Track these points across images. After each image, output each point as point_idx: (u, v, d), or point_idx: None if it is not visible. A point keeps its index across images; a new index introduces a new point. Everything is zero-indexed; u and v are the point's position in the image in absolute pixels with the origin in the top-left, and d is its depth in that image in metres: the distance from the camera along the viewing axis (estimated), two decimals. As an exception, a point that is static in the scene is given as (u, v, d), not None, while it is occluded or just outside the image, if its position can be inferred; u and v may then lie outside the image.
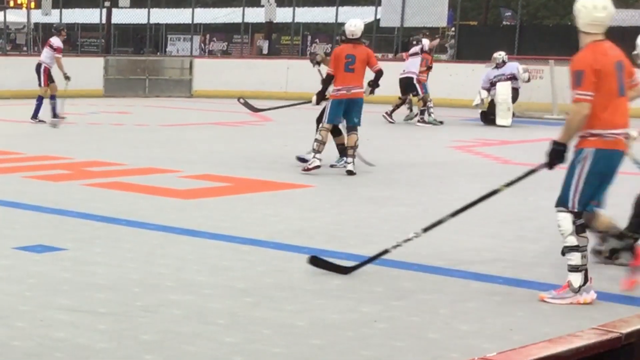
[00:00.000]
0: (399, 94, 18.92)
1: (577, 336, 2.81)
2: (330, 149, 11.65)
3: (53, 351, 4.64)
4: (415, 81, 18.46)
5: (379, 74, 11.42)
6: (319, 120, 11.45)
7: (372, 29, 28.92)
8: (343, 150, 11.60)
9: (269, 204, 9.03)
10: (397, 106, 18.91)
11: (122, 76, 25.16)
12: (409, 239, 6.36)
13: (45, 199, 8.88)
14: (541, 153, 5.91)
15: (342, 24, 11.72)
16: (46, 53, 17.30)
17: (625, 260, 6.08)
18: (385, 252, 6.37)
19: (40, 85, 17.14)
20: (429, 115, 18.46)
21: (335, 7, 27.34)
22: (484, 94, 18.63)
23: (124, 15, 37.77)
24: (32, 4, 34.03)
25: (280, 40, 42.24)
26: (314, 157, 11.01)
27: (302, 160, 11.40)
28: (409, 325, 5.24)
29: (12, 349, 4.65)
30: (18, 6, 36.23)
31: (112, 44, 38.52)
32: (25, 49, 35.53)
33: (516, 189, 9.30)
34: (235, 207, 8.79)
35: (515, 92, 18.59)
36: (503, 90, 18.30)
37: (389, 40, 35.73)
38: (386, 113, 18.68)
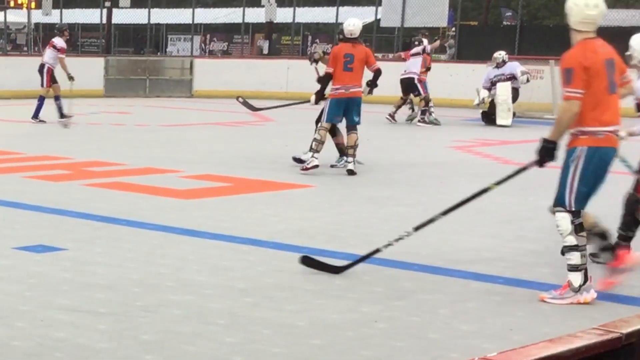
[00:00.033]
0: (400, 94, 18.94)
1: (578, 336, 2.81)
2: (330, 149, 11.65)
3: (53, 351, 4.64)
4: (416, 81, 18.46)
5: (377, 73, 11.42)
6: (318, 121, 11.45)
7: (372, 29, 28.93)
8: (342, 150, 11.60)
9: (269, 204, 9.02)
10: (399, 107, 18.91)
11: (122, 76, 25.16)
12: (400, 238, 6.37)
13: (46, 199, 8.88)
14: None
15: (343, 24, 11.71)
16: (49, 54, 17.29)
17: (603, 260, 6.08)
18: (377, 251, 6.37)
19: (42, 85, 17.15)
20: (430, 114, 18.45)
21: (335, 7, 27.34)
22: (485, 93, 18.63)
23: (125, 16, 37.78)
24: (33, 4, 34.01)
25: (280, 41, 42.24)
26: (312, 156, 11.00)
27: (299, 160, 11.40)
28: (409, 325, 5.23)
29: (12, 349, 4.65)
30: (18, 6, 36.19)
31: (113, 44, 38.54)
32: (25, 49, 35.52)
33: (516, 189, 9.34)
34: (235, 207, 8.79)
35: (515, 92, 18.59)
36: (503, 90, 18.30)
37: (390, 41, 35.72)
38: (389, 115, 18.69)
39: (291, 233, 7.59)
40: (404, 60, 19.89)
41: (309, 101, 11.70)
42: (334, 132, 11.53)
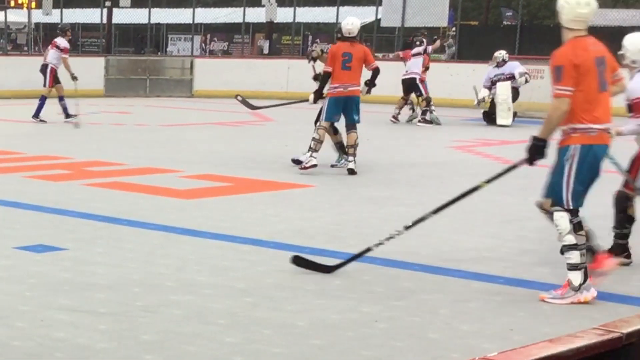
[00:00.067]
0: (401, 95, 18.95)
1: (578, 336, 2.81)
2: (330, 149, 11.65)
3: (53, 351, 4.64)
4: (418, 81, 18.47)
5: (375, 72, 11.42)
6: (317, 121, 11.45)
7: (372, 28, 28.94)
8: (341, 149, 11.61)
9: (269, 204, 9.02)
10: (401, 107, 18.92)
11: (122, 76, 25.16)
12: (391, 237, 6.37)
13: (46, 199, 8.88)
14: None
15: (341, 23, 11.72)
16: (53, 54, 17.29)
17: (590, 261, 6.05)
18: (368, 250, 6.38)
19: (44, 85, 17.16)
20: (431, 112, 18.45)
21: (336, 7, 27.33)
22: (485, 92, 18.64)
23: (125, 15, 37.79)
24: (33, 4, 34.02)
25: (281, 40, 42.24)
26: (310, 155, 11.00)
27: (298, 162, 11.40)
28: (409, 326, 5.23)
29: (13, 349, 4.65)
30: (19, 6, 36.21)
31: (113, 44, 38.54)
32: (26, 48, 35.54)
33: (516, 189, 9.35)
34: (235, 207, 8.79)
35: (515, 92, 18.58)
36: (503, 90, 18.30)
37: (390, 40, 35.72)
38: (393, 117, 18.72)
39: (291, 233, 7.59)
40: (403, 59, 19.91)
41: (307, 100, 11.69)
42: (333, 131, 11.53)
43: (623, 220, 6.79)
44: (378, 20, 27.76)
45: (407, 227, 6.39)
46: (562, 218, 5.73)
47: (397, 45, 26.49)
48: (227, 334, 4.95)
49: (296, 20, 29.16)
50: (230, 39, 44.24)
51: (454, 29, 31.78)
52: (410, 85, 18.58)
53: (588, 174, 5.71)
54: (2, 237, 7.22)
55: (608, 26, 23.31)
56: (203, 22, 41.03)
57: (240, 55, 33.57)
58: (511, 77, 18.37)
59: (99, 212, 8.23)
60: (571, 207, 5.71)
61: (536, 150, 5.74)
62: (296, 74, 23.87)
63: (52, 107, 17.00)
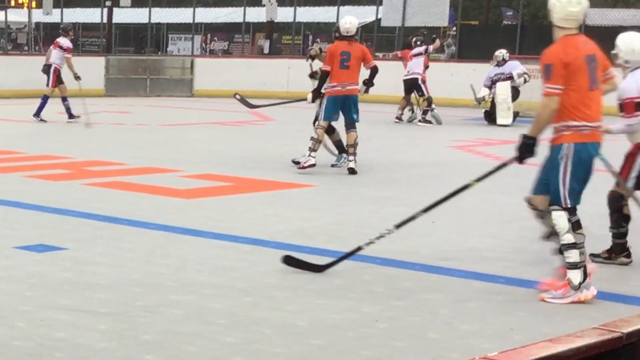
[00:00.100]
0: (402, 95, 18.97)
1: (578, 336, 2.81)
2: (326, 152, 11.63)
3: (53, 351, 4.63)
4: (420, 81, 18.48)
5: (374, 70, 11.43)
6: (316, 121, 11.44)
7: (373, 28, 28.93)
8: (340, 148, 11.61)
9: (269, 203, 9.02)
10: (404, 107, 18.95)
11: (123, 76, 25.16)
12: (381, 236, 6.38)
13: (46, 199, 8.88)
14: (541, 152, 5.91)
15: (338, 22, 11.72)
16: (56, 54, 17.30)
17: (563, 262, 6.04)
18: (359, 249, 6.38)
19: (48, 85, 17.17)
20: (432, 111, 18.47)
21: (336, 7, 27.32)
22: (485, 91, 18.65)
23: (125, 15, 37.74)
24: (33, 4, 34.03)
25: (281, 40, 42.20)
26: (309, 155, 11.00)
27: (298, 163, 11.40)
28: (409, 325, 5.23)
29: (13, 349, 4.65)
30: (19, 5, 36.21)
31: (113, 44, 38.51)
32: (26, 48, 35.55)
33: (516, 189, 9.33)
34: (235, 207, 8.79)
35: (515, 91, 18.58)
36: (502, 90, 18.30)
37: (390, 40, 35.70)
38: (397, 117, 18.75)
39: (291, 233, 7.59)
40: (400, 59, 19.95)
41: (305, 99, 11.69)
42: (331, 130, 11.52)
43: (619, 220, 6.79)
44: (378, 20, 27.74)
45: (398, 226, 6.41)
46: (561, 217, 5.73)
47: (398, 45, 26.48)
48: (227, 334, 4.95)
49: (296, 20, 29.14)
50: (231, 39, 44.21)
51: (454, 28, 31.76)
52: (412, 86, 18.59)
53: (583, 171, 5.72)
54: (2, 236, 7.22)
55: (608, 26, 23.30)
56: (203, 22, 41.01)
57: (240, 55, 33.55)
58: (510, 77, 18.37)
59: (99, 212, 8.23)
60: (569, 206, 5.72)
61: (526, 148, 5.78)
62: (297, 73, 23.84)
63: (52, 107, 17.02)
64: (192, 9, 29.57)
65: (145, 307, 5.40)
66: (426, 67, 19.00)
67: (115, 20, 36.63)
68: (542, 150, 5.86)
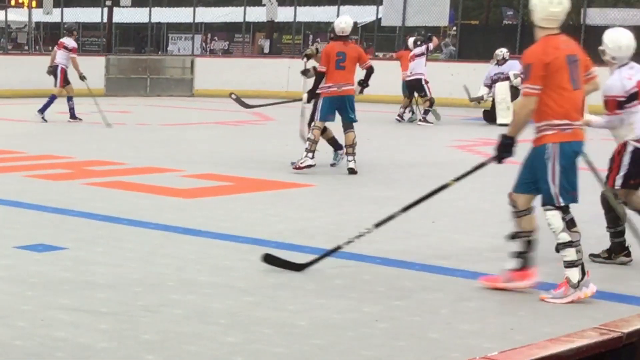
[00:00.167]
0: (402, 95, 18.99)
1: (578, 336, 2.81)
2: (326, 151, 11.62)
3: (54, 351, 4.64)
4: (423, 82, 18.49)
5: (369, 71, 11.43)
6: (312, 122, 11.44)
7: (373, 28, 28.91)
8: (334, 145, 11.60)
9: (269, 203, 9.03)
10: (406, 106, 18.96)
11: (123, 75, 25.16)
12: (361, 235, 6.39)
13: (46, 198, 8.88)
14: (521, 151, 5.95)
15: (333, 22, 11.71)
16: (61, 54, 17.33)
17: (513, 266, 6.03)
18: (338, 248, 6.40)
19: (55, 86, 17.20)
20: (432, 107, 18.52)
21: (336, 7, 27.32)
22: (484, 90, 18.67)
23: (125, 15, 37.74)
24: (34, 3, 34.02)
25: (281, 40, 42.20)
26: (306, 155, 10.99)
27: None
28: (410, 325, 5.23)
29: (13, 349, 4.65)
30: (19, 5, 36.21)
31: (114, 43, 38.51)
32: (26, 48, 35.53)
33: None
34: (236, 207, 8.79)
35: (516, 91, 18.56)
36: (502, 89, 18.32)
37: (391, 40, 35.70)
38: (398, 115, 18.77)
39: (291, 233, 7.59)
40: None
41: (301, 99, 11.68)
42: (323, 129, 11.50)
43: (615, 219, 6.80)
44: (378, 20, 27.74)
45: (377, 225, 6.42)
46: (554, 216, 5.75)
47: (398, 44, 26.48)
48: (228, 334, 4.95)
49: (297, 20, 29.14)
50: (231, 39, 44.19)
51: (454, 28, 31.75)
52: (415, 87, 18.60)
53: (571, 169, 5.74)
54: (2, 236, 7.22)
55: (609, 25, 23.29)
56: (203, 22, 41.00)
57: (240, 55, 33.56)
58: (509, 77, 18.38)
59: (100, 212, 8.23)
60: (562, 204, 5.73)
61: (504, 148, 5.83)
62: (297, 73, 23.72)
63: (54, 107, 17.03)
64: (192, 8, 29.55)
65: (145, 306, 5.40)
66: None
67: (115, 19, 36.64)
68: (523, 149, 5.88)
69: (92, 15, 37.92)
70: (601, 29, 6.06)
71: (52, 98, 17.07)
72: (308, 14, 35.99)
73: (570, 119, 5.72)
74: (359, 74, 11.42)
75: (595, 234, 7.08)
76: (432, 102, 18.48)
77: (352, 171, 11.05)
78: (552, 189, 5.71)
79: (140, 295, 5.63)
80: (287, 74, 24.81)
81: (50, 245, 6.89)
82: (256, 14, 33.10)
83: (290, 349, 4.76)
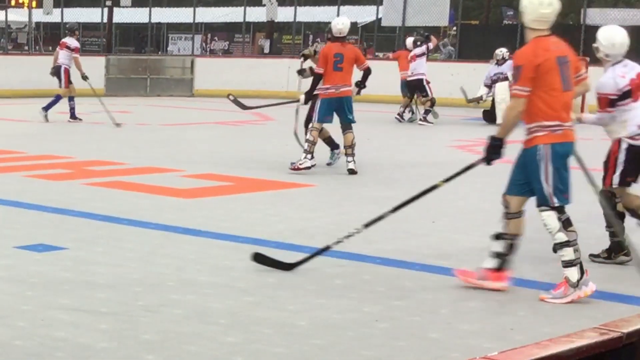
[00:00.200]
0: (402, 94, 19.00)
1: (578, 336, 2.81)
2: (323, 152, 11.61)
3: (54, 351, 4.64)
4: (424, 82, 18.50)
5: (367, 72, 11.44)
6: (308, 122, 11.44)
7: (373, 28, 28.90)
8: (331, 144, 11.59)
9: (269, 203, 9.03)
10: (407, 106, 18.96)
11: (123, 75, 25.15)
12: (350, 235, 6.40)
13: (46, 198, 8.88)
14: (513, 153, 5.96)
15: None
16: (64, 54, 17.35)
17: (491, 265, 6.04)
18: (327, 248, 6.40)
19: (60, 86, 17.20)
20: (432, 106, 18.54)
21: (336, 7, 27.31)
22: (484, 90, 18.68)
23: (125, 15, 37.75)
24: (34, 3, 34.03)
25: (281, 40, 42.21)
26: (305, 157, 10.98)
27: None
28: (410, 325, 5.24)
29: (13, 349, 4.65)
30: (19, 5, 36.21)
31: (114, 43, 38.52)
32: (26, 48, 35.52)
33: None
34: (236, 207, 8.79)
35: (515, 90, 18.59)
36: (501, 89, 18.32)
37: (391, 40, 35.71)
38: (398, 114, 18.79)
39: (291, 233, 7.59)
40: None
41: (298, 100, 11.67)
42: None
43: (614, 218, 6.80)
44: (378, 20, 27.74)
45: (366, 225, 6.43)
46: (550, 217, 5.76)
47: (398, 44, 26.48)
48: (228, 334, 4.95)
49: (297, 20, 29.13)
50: (231, 39, 44.20)
51: (454, 28, 31.74)
52: (417, 87, 18.61)
53: (564, 170, 5.76)
54: (2, 236, 7.22)
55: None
56: (203, 22, 41.00)
57: (240, 55, 33.56)
58: (508, 77, 18.39)
59: (100, 212, 8.23)
60: (556, 205, 5.73)
61: (493, 149, 5.83)
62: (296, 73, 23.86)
63: (55, 107, 17.02)
64: (192, 8, 29.55)
65: (145, 306, 5.40)
66: None
67: (115, 20, 36.65)
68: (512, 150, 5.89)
69: (92, 15, 37.94)
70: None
71: (58, 98, 17.10)
72: (308, 14, 36.01)
73: (561, 120, 5.74)
74: (357, 74, 11.42)
75: (594, 233, 7.08)
76: (433, 102, 18.49)
77: (352, 172, 11.05)
78: (546, 189, 5.72)
79: (140, 295, 5.63)
80: (287, 74, 24.81)
81: (50, 245, 6.89)
82: (256, 14, 33.11)
83: (290, 349, 4.76)
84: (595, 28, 6.81)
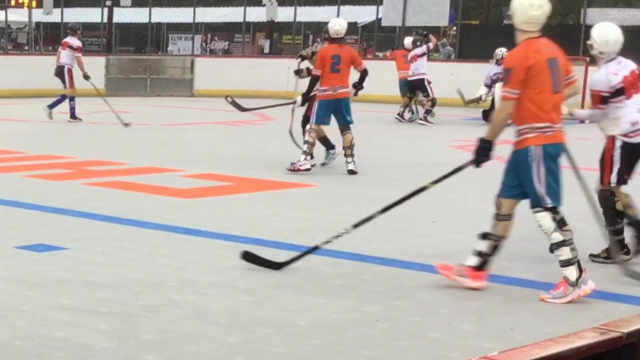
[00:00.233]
0: (407, 94, 19.01)
1: (578, 336, 2.81)
2: (319, 152, 11.61)
3: (54, 351, 4.64)
4: (426, 82, 18.51)
5: (364, 74, 11.44)
6: (305, 123, 11.44)
7: (373, 28, 28.89)
8: (327, 144, 11.60)
9: (269, 203, 9.03)
10: (407, 105, 18.96)
11: (123, 75, 25.16)
12: (339, 235, 6.41)
13: (46, 198, 8.88)
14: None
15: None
16: (66, 54, 17.36)
17: (472, 263, 6.04)
18: (316, 248, 6.41)
19: (65, 87, 17.21)
20: (433, 107, 18.55)
21: (336, 7, 27.31)
22: (483, 90, 18.68)
23: (126, 15, 37.75)
24: (34, 3, 34.03)
25: (281, 40, 42.20)
26: (304, 159, 10.98)
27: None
28: (410, 325, 5.23)
29: (13, 349, 4.65)
30: (19, 5, 36.20)
31: (114, 43, 38.52)
32: (26, 48, 35.54)
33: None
34: (236, 207, 8.79)
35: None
36: (500, 90, 18.33)
37: (391, 40, 35.71)
38: (398, 114, 18.80)
39: (291, 233, 7.59)
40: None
41: (295, 102, 11.66)
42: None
43: (613, 217, 6.81)
44: (378, 20, 27.73)
45: (355, 226, 6.44)
46: (544, 218, 5.77)
47: (398, 44, 26.49)
48: (228, 334, 4.95)
49: (297, 20, 29.13)
50: (231, 39, 44.20)
51: (454, 28, 31.75)
52: (418, 87, 18.61)
53: (556, 170, 5.77)
54: (2, 236, 7.22)
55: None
56: (203, 22, 41.00)
57: (240, 55, 33.56)
58: None
59: (100, 212, 8.23)
60: (549, 205, 5.74)
61: (483, 152, 5.85)
62: (296, 73, 23.84)
63: (69, 108, 17.05)
64: (192, 8, 29.56)
65: (145, 306, 5.40)
66: None
67: (115, 20, 36.66)
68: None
69: (92, 15, 37.94)
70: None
71: (63, 97, 17.12)
72: (308, 14, 36.02)
73: (552, 122, 5.76)
74: (354, 75, 11.42)
75: (594, 233, 7.07)
76: (434, 102, 18.49)
77: (352, 172, 11.05)
78: (539, 190, 5.73)
79: (140, 295, 5.63)
80: (287, 74, 24.75)
81: (50, 245, 6.89)
82: (256, 14, 33.11)
83: (290, 349, 4.76)
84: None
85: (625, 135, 6.71)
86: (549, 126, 5.73)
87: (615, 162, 6.74)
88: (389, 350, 4.78)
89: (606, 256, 6.81)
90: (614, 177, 6.75)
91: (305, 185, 10.23)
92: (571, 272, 5.72)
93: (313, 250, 6.42)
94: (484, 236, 6.02)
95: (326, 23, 11.73)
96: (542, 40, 5.84)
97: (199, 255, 6.72)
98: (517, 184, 5.86)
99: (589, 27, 5.89)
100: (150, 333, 4.92)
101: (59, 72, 17.30)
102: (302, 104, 11.51)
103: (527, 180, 5.76)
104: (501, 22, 40.86)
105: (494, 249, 6.00)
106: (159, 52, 39.69)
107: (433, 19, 25.72)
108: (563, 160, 5.96)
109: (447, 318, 5.38)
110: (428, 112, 18.51)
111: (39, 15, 33.76)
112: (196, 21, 30.54)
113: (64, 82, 17.21)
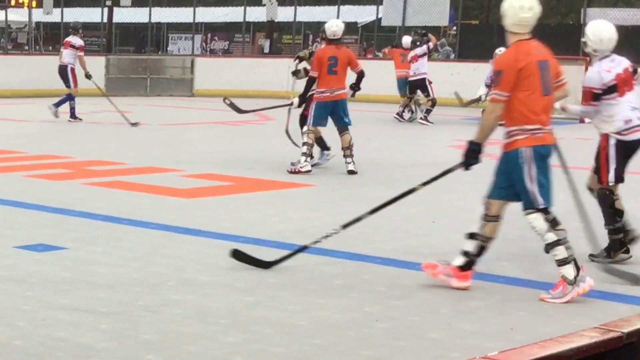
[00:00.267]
0: (407, 94, 19.03)
1: (579, 335, 2.81)
2: (315, 153, 11.60)
3: (54, 351, 4.64)
4: (427, 82, 18.52)
5: (361, 75, 11.42)
6: (303, 124, 11.43)
7: (373, 28, 28.88)
8: (322, 145, 11.60)
9: (269, 203, 9.03)
10: (406, 105, 18.97)
11: (123, 75, 25.16)
12: (328, 235, 6.41)
13: (47, 198, 8.88)
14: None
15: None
16: (68, 54, 17.37)
17: (459, 261, 6.05)
18: (305, 247, 6.41)
19: (69, 87, 17.21)
20: (433, 107, 18.58)
21: (336, 7, 27.31)
22: (483, 90, 18.69)
23: (126, 14, 37.76)
24: (34, 3, 34.03)
25: (281, 40, 42.20)
26: (305, 160, 10.97)
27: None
28: (410, 325, 5.23)
29: (13, 349, 4.65)
30: (19, 5, 36.19)
31: (114, 43, 38.53)
32: (26, 48, 35.53)
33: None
34: (236, 207, 8.79)
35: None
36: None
37: (391, 40, 35.71)
38: (397, 114, 18.80)
39: (292, 232, 7.59)
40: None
41: (292, 103, 11.65)
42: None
43: (612, 215, 6.81)
44: (378, 20, 27.74)
45: (344, 226, 6.45)
46: (537, 219, 5.77)
47: (398, 45, 26.50)
48: (228, 334, 4.95)
49: (297, 20, 29.14)
50: (231, 38, 44.20)
51: (454, 28, 31.74)
52: (419, 86, 18.62)
53: (546, 171, 5.78)
54: (2, 236, 7.22)
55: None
56: (203, 21, 41.00)
57: (241, 55, 33.57)
58: None
59: (100, 212, 8.23)
60: (541, 206, 5.74)
61: (472, 154, 5.86)
62: (296, 73, 23.83)
63: (69, 107, 17.05)
64: (192, 8, 29.56)
65: (145, 306, 5.40)
66: None
67: (115, 19, 36.67)
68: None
69: (92, 15, 37.94)
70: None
71: (69, 97, 17.12)
72: (308, 14, 36.01)
73: (542, 124, 5.78)
74: (351, 76, 11.41)
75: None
76: (434, 102, 18.50)
77: (351, 172, 11.05)
78: (531, 190, 5.73)
79: (140, 295, 5.63)
80: (287, 74, 24.63)
81: (50, 245, 6.89)
82: (256, 14, 33.11)
83: (290, 349, 4.76)
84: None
85: (618, 133, 6.72)
86: (538, 128, 5.74)
87: (611, 160, 6.75)
88: (389, 350, 4.78)
89: (606, 255, 6.81)
90: (611, 176, 6.76)
91: (305, 185, 10.23)
92: (568, 271, 5.72)
93: (302, 250, 6.42)
94: (472, 236, 6.03)
95: (326, 23, 11.72)
96: (533, 42, 5.85)
97: (199, 255, 6.72)
98: (507, 185, 5.86)
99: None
100: (150, 333, 4.92)
101: (62, 71, 17.30)
102: (299, 106, 11.51)
103: (519, 182, 5.76)
104: (501, 21, 40.88)
105: (481, 249, 6.01)
106: (159, 52, 39.68)
107: (433, 19, 25.72)
108: (553, 159, 5.97)
109: (447, 318, 5.38)
110: (428, 112, 18.52)
111: (39, 15, 33.76)
112: (196, 21, 30.55)
113: (67, 81, 17.20)
